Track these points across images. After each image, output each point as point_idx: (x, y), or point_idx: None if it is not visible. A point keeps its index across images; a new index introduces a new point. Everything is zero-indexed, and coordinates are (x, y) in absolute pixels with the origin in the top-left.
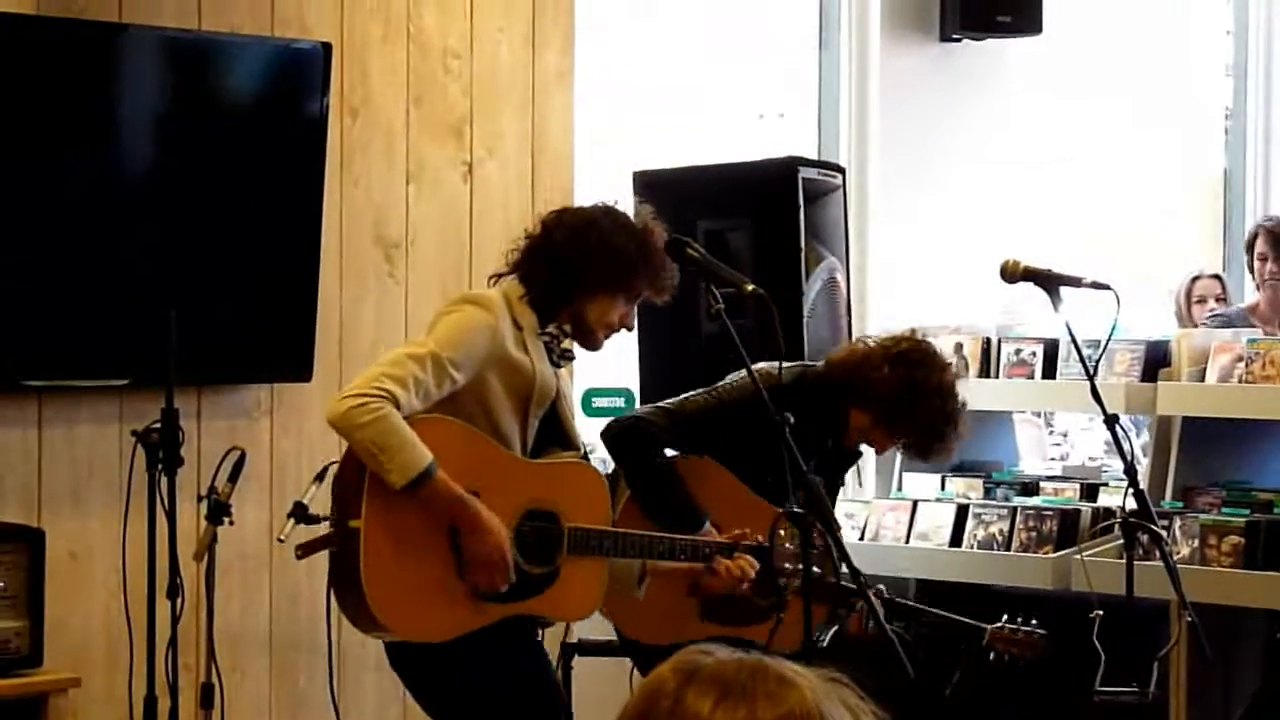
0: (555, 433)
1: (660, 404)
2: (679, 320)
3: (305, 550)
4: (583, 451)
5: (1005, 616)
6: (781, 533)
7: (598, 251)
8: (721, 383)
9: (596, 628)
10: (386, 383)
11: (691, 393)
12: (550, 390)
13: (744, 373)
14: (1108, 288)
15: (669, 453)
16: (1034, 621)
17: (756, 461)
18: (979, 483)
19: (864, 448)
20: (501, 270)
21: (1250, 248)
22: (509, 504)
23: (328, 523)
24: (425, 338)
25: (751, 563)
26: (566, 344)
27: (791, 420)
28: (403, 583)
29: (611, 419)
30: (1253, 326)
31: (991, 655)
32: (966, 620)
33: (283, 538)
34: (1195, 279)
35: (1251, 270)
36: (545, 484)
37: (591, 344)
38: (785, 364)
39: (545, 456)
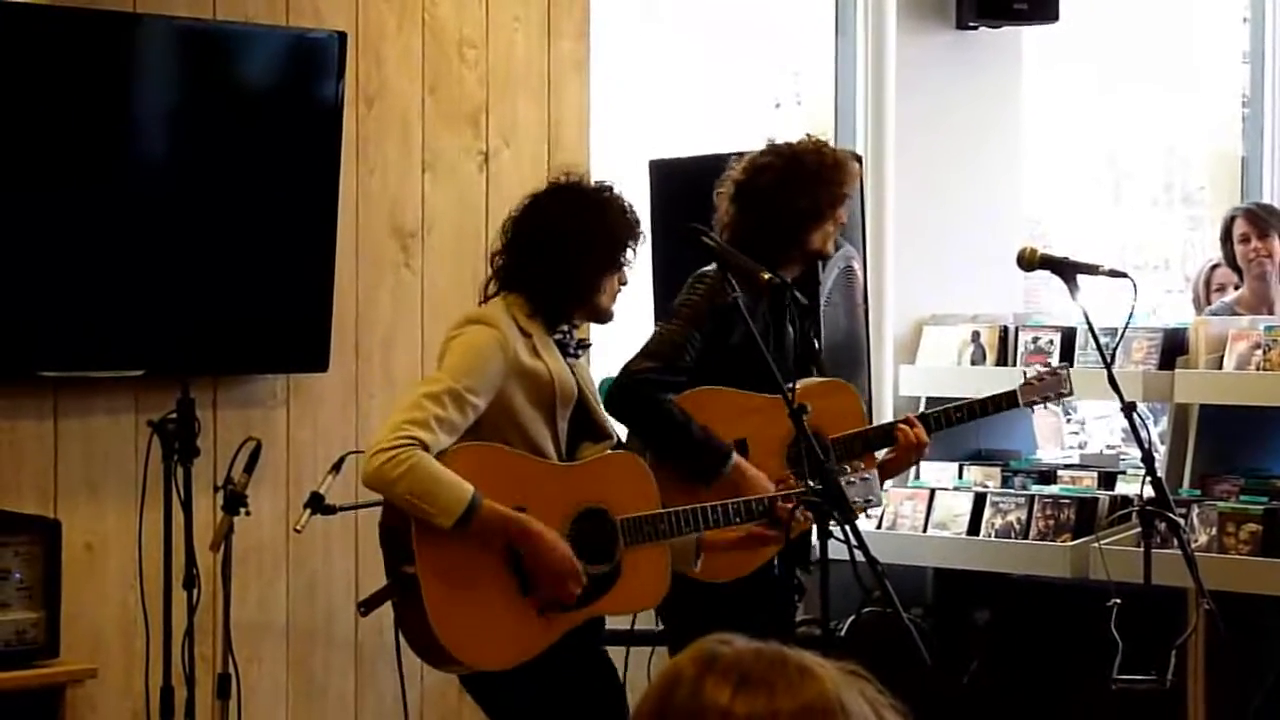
0: (585, 426)
1: (639, 354)
2: None
3: (368, 606)
4: (614, 439)
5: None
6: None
7: (589, 245)
8: (680, 302)
9: (615, 617)
10: (410, 429)
11: (659, 328)
12: (571, 390)
13: (693, 281)
14: (1125, 275)
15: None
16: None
17: (746, 357)
18: (997, 471)
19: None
20: (489, 288)
21: (1227, 236)
22: (557, 511)
23: (384, 569)
24: (438, 372)
25: (806, 514)
26: (580, 333)
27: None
28: (470, 616)
29: (609, 385)
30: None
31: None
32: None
33: (299, 528)
34: (1215, 267)
35: (1231, 262)
36: (588, 483)
37: (606, 320)
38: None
39: (579, 452)
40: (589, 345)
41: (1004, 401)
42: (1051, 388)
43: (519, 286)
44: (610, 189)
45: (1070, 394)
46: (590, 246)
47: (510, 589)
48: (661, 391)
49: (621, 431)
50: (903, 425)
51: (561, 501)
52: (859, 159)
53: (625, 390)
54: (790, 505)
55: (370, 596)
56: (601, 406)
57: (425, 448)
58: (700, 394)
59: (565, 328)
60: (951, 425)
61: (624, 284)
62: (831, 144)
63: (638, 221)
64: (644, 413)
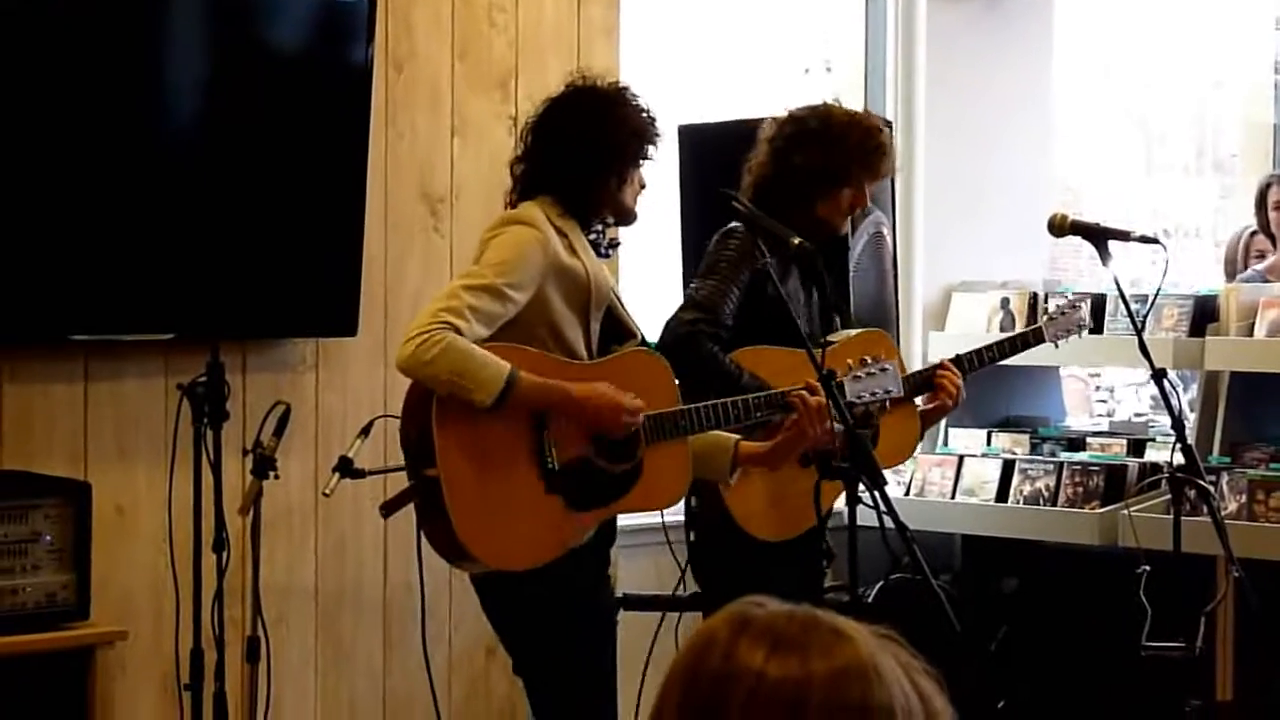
0: (612, 327)
1: (683, 306)
2: None
3: (389, 508)
4: (640, 338)
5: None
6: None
7: (609, 141)
8: (713, 258)
9: (645, 582)
10: (445, 315)
11: (697, 283)
12: (606, 288)
13: (723, 237)
14: (1156, 241)
15: None
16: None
17: (777, 314)
18: (1025, 438)
19: None
20: (513, 195)
21: (1262, 203)
22: None
23: (405, 474)
24: (478, 265)
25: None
26: (611, 233)
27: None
28: (492, 515)
29: (658, 339)
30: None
31: None
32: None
33: (328, 492)
34: (1253, 233)
35: (1266, 230)
36: (611, 381)
37: (632, 219)
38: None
39: (608, 353)
40: (619, 244)
41: (1031, 338)
42: (1072, 321)
43: (545, 189)
44: (627, 89)
45: (1090, 327)
46: (611, 142)
47: (535, 488)
48: (710, 343)
49: (649, 333)
50: (941, 371)
51: None
52: (889, 124)
53: (675, 341)
54: (810, 396)
55: (391, 499)
56: (626, 307)
57: (459, 334)
58: (743, 353)
59: (598, 227)
60: (984, 365)
61: (644, 186)
62: (878, 126)
63: (655, 121)
64: (695, 363)
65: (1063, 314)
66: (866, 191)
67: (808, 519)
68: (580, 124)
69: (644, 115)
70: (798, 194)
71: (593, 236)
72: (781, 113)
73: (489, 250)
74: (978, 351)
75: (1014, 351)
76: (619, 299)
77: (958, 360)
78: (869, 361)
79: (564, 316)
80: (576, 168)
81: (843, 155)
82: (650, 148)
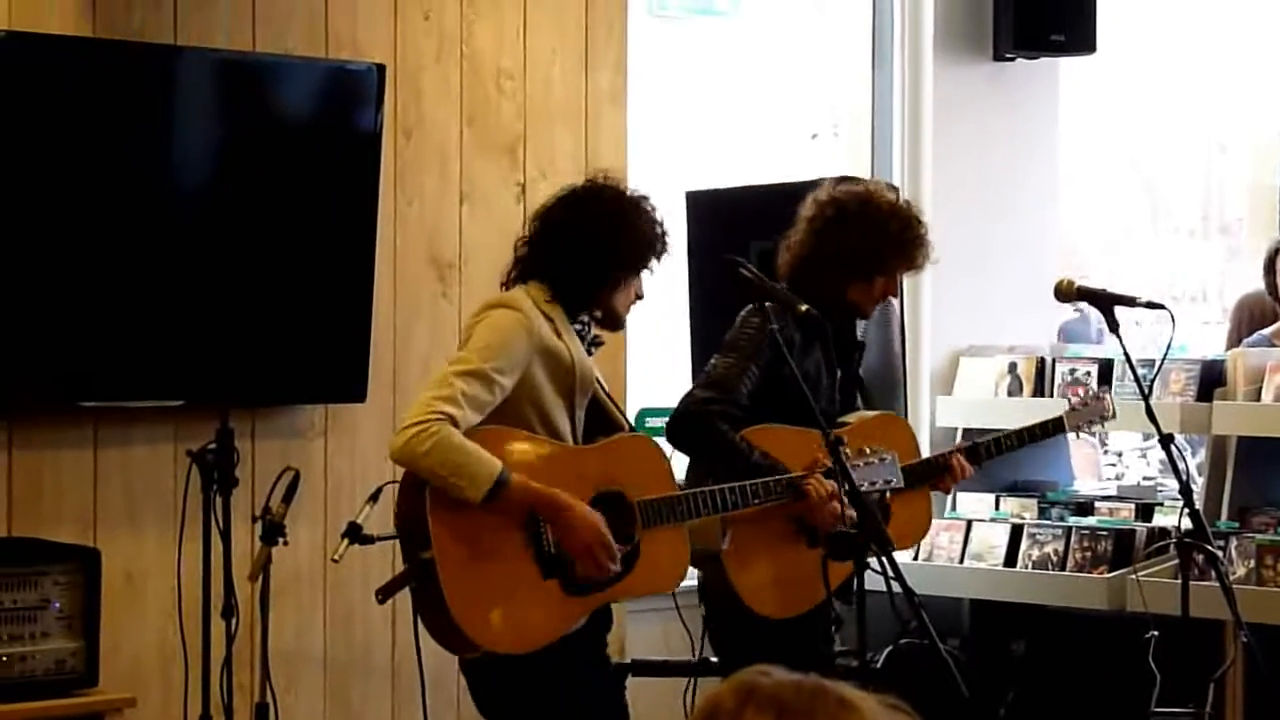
0: (600, 420)
1: (698, 385)
2: None
3: (385, 593)
4: (628, 429)
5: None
6: (845, 451)
7: (615, 243)
8: (735, 335)
9: (654, 648)
10: (439, 405)
11: (715, 360)
12: (590, 376)
13: (748, 314)
14: (1162, 307)
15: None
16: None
17: (796, 392)
18: (1033, 503)
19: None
20: (511, 275)
21: (1271, 267)
22: (574, 493)
23: (401, 558)
24: (465, 352)
25: (822, 480)
26: (596, 331)
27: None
28: (488, 599)
29: (670, 415)
30: None
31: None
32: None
33: (337, 558)
34: None
35: (1275, 294)
36: (605, 465)
37: (619, 326)
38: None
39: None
40: (603, 343)
41: (1051, 427)
42: (1096, 412)
43: (540, 276)
44: (645, 198)
45: (1114, 418)
46: (616, 245)
47: (530, 572)
48: (722, 421)
49: (678, 461)
50: (957, 456)
51: (579, 482)
52: (895, 189)
53: (687, 419)
54: (820, 482)
55: (388, 583)
56: (614, 401)
57: (454, 423)
58: (754, 432)
59: (585, 318)
60: (1002, 454)
61: (640, 296)
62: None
63: (666, 234)
64: (706, 441)
65: (1085, 404)
66: (899, 281)
67: (811, 597)
68: (592, 222)
69: (657, 228)
70: (831, 276)
71: (579, 328)
72: (823, 193)
73: (474, 335)
74: (996, 440)
75: (1032, 440)
76: (606, 392)
77: (974, 449)
78: (867, 452)
79: (550, 399)
80: (578, 263)
81: (880, 243)
82: (655, 259)
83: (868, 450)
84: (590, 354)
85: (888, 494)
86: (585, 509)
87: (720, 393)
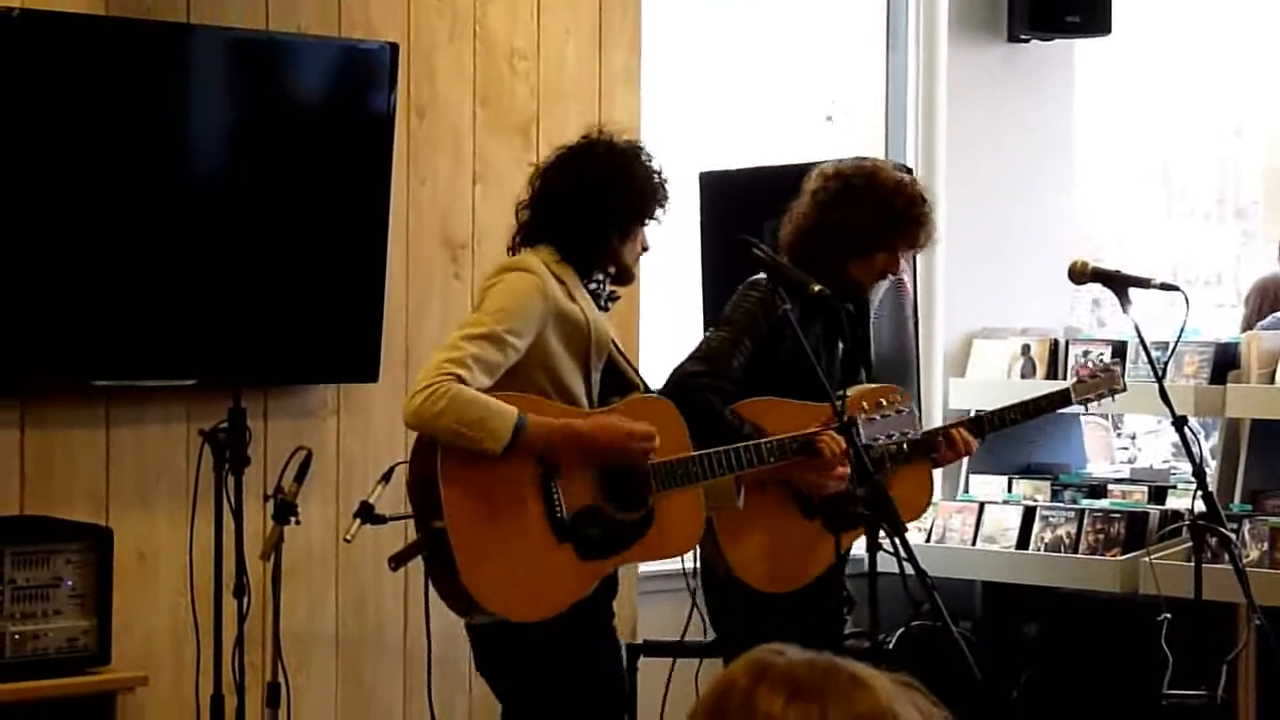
0: (616, 380)
1: (689, 358)
2: None
3: (398, 560)
4: (644, 389)
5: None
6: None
7: (616, 196)
8: (731, 309)
9: (665, 628)
10: (449, 367)
11: (709, 334)
12: (606, 338)
13: (745, 289)
14: (1176, 289)
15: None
16: None
17: (796, 368)
18: (1046, 485)
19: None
20: (516, 240)
21: None
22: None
23: (414, 526)
24: (478, 314)
25: (836, 438)
26: (610, 287)
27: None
28: (503, 566)
29: (660, 388)
30: None
31: None
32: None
33: (349, 538)
34: None
35: None
36: None
37: (630, 279)
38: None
39: (609, 404)
40: (618, 298)
41: (1057, 399)
42: (1104, 384)
43: (547, 238)
44: (641, 148)
45: (1124, 390)
46: (616, 196)
47: (544, 538)
48: (712, 395)
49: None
50: (959, 429)
51: None
52: (909, 170)
53: (675, 393)
54: (832, 439)
55: (400, 552)
56: (629, 361)
57: (464, 384)
58: (756, 404)
59: (599, 277)
60: (1006, 426)
61: (646, 248)
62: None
63: (665, 183)
64: (695, 415)
65: (1094, 376)
66: (901, 258)
67: (805, 573)
68: (590, 174)
69: (656, 175)
70: (834, 250)
71: (593, 287)
72: (829, 166)
73: (488, 298)
74: (1000, 412)
75: (1038, 413)
76: (621, 352)
77: (978, 420)
78: (884, 404)
79: (564, 363)
80: (581, 218)
81: (883, 220)
82: (657, 208)
83: (884, 402)
84: (606, 309)
85: (887, 468)
86: (599, 418)
87: (709, 365)
